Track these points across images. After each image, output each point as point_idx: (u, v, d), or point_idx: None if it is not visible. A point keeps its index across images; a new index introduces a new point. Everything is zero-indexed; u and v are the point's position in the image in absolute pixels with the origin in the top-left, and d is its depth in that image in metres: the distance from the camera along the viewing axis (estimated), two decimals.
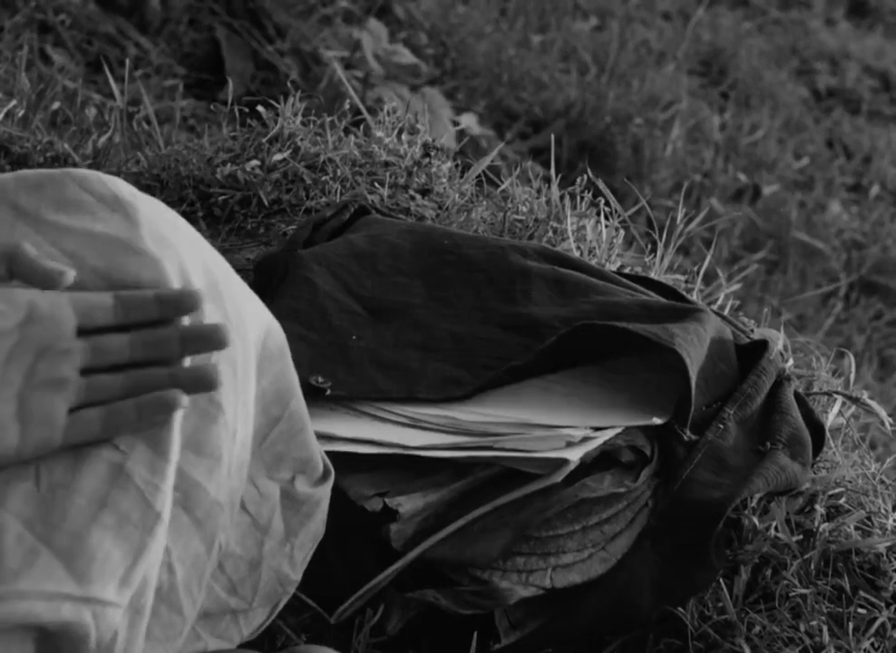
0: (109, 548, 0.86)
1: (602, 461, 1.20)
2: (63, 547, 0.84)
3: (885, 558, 1.29)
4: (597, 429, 1.20)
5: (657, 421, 1.22)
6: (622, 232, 1.74)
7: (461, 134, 3.12)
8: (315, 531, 1.06)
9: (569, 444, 1.17)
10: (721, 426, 1.26)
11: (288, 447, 1.02)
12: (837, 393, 1.51)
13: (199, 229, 1.19)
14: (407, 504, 1.15)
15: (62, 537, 0.84)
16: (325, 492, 1.05)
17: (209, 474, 0.92)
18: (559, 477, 1.16)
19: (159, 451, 0.88)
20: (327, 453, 1.06)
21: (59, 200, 0.92)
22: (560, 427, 1.19)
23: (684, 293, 1.45)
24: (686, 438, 1.24)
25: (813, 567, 1.27)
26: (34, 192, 0.92)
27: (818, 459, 1.38)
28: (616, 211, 1.75)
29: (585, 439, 1.17)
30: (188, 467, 0.91)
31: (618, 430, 1.20)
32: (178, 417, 0.89)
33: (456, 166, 1.83)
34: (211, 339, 0.89)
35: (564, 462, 1.16)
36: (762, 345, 1.35)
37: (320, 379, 1.28)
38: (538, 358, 1.28)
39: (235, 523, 0.98)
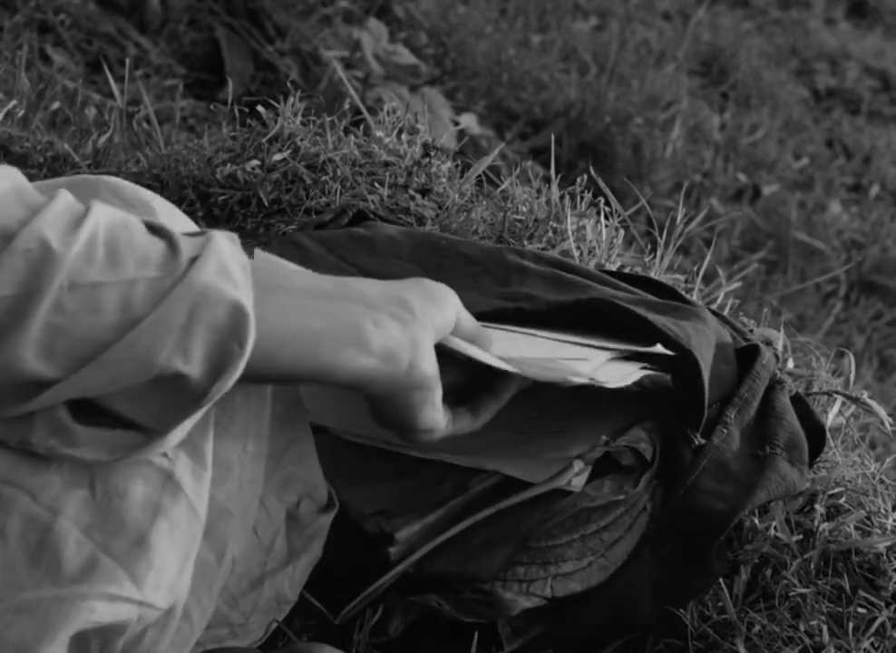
0: (165, 554, 0.87)
1: (602, 463, 1.19)
2: (122, 553, 0.85)
3: (885, 557, 1.28)
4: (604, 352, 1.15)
5: (661, 349, 1.17)
6: (622, 232, 1.73)
7: (461, 134, 3.13)
8: (315, 554, 1.08)
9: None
10: (725, 431, 1.26)
11: (297, 470, 1.04)
12: (837, 392, 1.51)
13: None
14: (404, 530, 1.16)
15: (120, 544, 0.85)
16: (327, 519, 1.07)
17: (218, 482, 0.93)
18: (563, 481, 1.16)
19: (199, 461, 0.90)
20: None
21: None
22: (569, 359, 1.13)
23: (683, 293, 1.45)
24: (696, 443, 1.23)
25: (812, 567, 1.27)
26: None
27: (818, 459, 1.38)
28: (616, 211, 1.75)
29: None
30: None
31: (631, 359, 1.15)
32: (212, 428, 0.91)
33: (456, 166, 1.83)
34: None
35: (568, 466, 1.16)
36: (754, 350, 1.35)
37: None
38: (549, 309, 1.27)
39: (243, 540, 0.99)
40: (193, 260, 0.82)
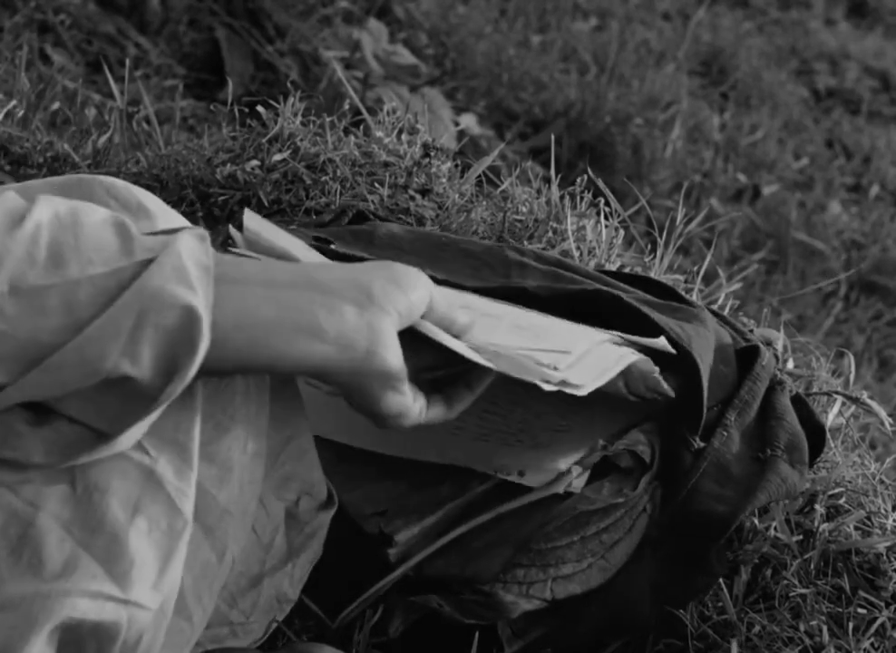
0: (145, 552, 0.86)
1: (601, 465, 1.19)
2: (103, 552, 0.85)
3: (885, 558, 1.28)
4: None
5: (664, 342, 1.17)
6: (622, 232, 1.73)
7: (461, 134, 3.12)
8: (315, 552, 1.07)
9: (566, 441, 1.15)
10: (725, 434, 1.25)
11: (296, 468, 1.03)
12: (837, 393, 1.51)
13: None
14: (403, 532, 1.15)
15: (100, 541, 0.85)
16: (327, 517, 1.07)
17: (219, 483, 0.93)
18: (561, 486, 1.16)
19: (184, 458, 0.90)
20: None
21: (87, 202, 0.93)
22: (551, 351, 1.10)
23: (682, 293, 1.45)
24: (695, 446, 1.23)
25: (812, 567, 1.27)
26: (62, 193, 0.92)
27: (818, 459, 1.37)
28: (616, 211, 1.75)
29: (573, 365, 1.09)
30: (198, 475, 0.92)
31: (631, 351, 1.13)
32: (198, 427, 0.91)
33: (456, 166, 1.83)
34: None
35: (567, 472, 1.16)
36: (754, 351, 1.35)
37: None
38: (552, 295, 1.26)
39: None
40: (148, 262, 0.81)
